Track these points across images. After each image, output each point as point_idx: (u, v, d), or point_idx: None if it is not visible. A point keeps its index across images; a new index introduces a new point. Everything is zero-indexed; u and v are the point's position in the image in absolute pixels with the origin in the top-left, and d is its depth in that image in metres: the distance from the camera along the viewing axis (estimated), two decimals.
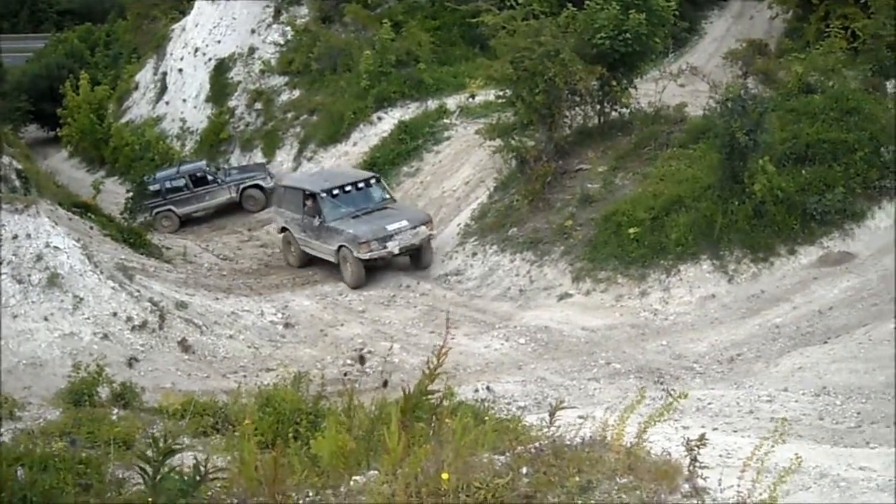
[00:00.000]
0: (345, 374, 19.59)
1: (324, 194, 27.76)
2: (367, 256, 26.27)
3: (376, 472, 6.49)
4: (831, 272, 21.36)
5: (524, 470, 6.17)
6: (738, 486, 6.58)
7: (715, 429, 14.59)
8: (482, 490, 5.76)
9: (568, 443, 6.69)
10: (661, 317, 21.39)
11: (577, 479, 6.10)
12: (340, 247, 26.95)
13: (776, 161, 22.60)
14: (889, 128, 24.15)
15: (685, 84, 29.89)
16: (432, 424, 7.61)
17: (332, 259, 27.62)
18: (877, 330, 18.32)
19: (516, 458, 6.35)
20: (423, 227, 26.87)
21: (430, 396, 7.60)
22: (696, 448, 6.88)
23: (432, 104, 35.69)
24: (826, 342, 18.68)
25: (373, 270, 27.13)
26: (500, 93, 28.41)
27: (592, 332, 21.10)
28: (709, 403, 16.33)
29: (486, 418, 10.37)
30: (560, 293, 23.17)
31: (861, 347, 17.85)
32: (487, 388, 18.42)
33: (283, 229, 29.82)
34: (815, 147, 23.54)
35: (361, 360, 20.97)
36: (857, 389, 16.20)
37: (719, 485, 6.90)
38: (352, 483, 6.40)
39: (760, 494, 6.63)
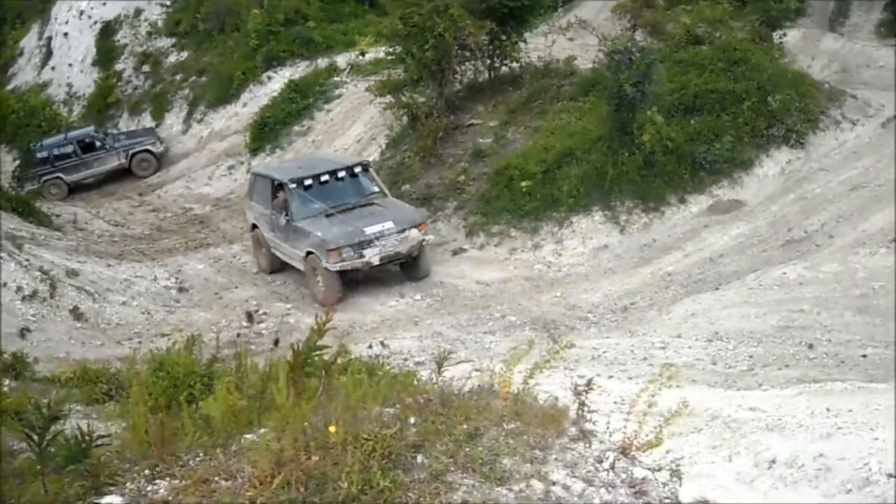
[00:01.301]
0: (237, 336, 19.44)
1: (293, 185, 22.27)
2: (336, 267, 21.00)
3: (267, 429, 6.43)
4: (721, 220, 21.68)
5: (412, 420, 6.16)
6: (625, 428, 6.64)
7: (610, 376, 14.79)
8: (370, 441, 5.72)
9: (456, 392, 6.69)
10: (555, 268, 21.52)
11: (465, 426, 6.10)
12: (308, 253, 21.72)
13: (665, 112, 22.88)
14: (776, 77, 24.54)
15: (574, 38, 29.97)
16: (322, 380, 7.55)
17: (300, 266, 22.48)
18: (766, 275, 18.64)
19: (405, 408, 6.32)
20: (414, 231, 21.31)
21: (319, 352, 7.52)
22: (583, 393, 6.92)
23: (322, 62, 35.37)
24: (717, 288, 18.95)
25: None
26: (390, 49, 28.16)
27: (487, 285, 21.17)
28: (604, 352, 16.52)
29: (380, 373, 10.36)
30: (454, 248, 23.19)
31: (752, 293, 18.14)
32: (382, 343, 18.37)
33: (254, 226, 24.54)
34: (703, 97, 23.88)
35: (249, 317, 20.83)
36: (749, 334, 16.50)
37: (608, 428, 6.95)
38: (242, 441, 6.30)
39: (646, 436, 6.70)
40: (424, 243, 21.61)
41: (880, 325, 16.24)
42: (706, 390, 14.01)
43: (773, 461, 8.91)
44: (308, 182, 22.42)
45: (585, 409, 6.90)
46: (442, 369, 7.30)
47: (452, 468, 5.73)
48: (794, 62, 27.98)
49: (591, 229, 22.09)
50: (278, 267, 23.85)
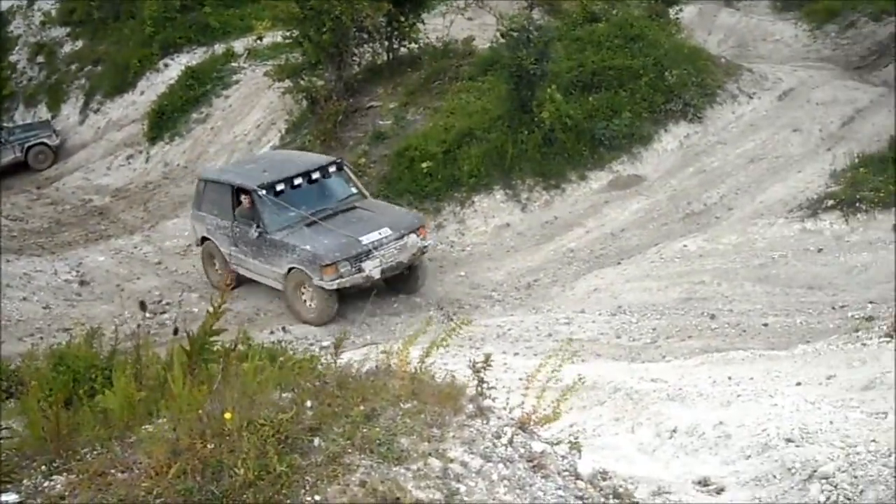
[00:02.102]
0: (137, 326, 19.16)
1: (263, 192, 19.30)
2: (334, 285, 18.21)
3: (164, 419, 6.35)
4: (621, 195, 21.86)
5: (308, 404, 6.13)
6: (523, 404, 6.65)
7: (516, 353, 14.87)
8: (266, 426, 5.70)
9: (353, 374, 6.66)
10: (458, 248, 21.53)
11: (362, 407, 6.10)
12: (291, 269, 18.92)
13: (563, 89, 22.97)
14: (672, 52, 24.80)
15: (473, 17, 30.02)
16: (220, 367, 7.47)
17: (276, 285, 19.63)
18: (667, 248, 18.89)
19: (301, 393, 6.29)
20: (413, 237, 18.90)
21: (215, 339, 7.42)
22: (482, 370, 6.91)
23: (219, 48, 34.82)
24: (619, 263, 19.14)
25: None
26: (288, 33, 27.85)
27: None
28: (509, 329, 16.60)
29: (282, 358, 10.26)
30: None
31: (653, 266, 18.36)
32: (283, 329, 18.38)
33: (204, 239, 21.36)
34: (601, 74, 24.06)
35: (142, 306, 20.35)
36: (652, 306, 16.71)
37: (507, 403, 6.95)
38: (140, 432, 6.22)
39: (545, 411, 6.71)
40: (425, 250, 19.37)
41: (780, 293, 16.56)
42: (611, 363, 14.15)
43: (675, 430, 9.00)
44: (280, 187, 19.37)
45: (484, 385, 6.91)
46: (339, 351, 7.26)
47: (350, 450, 5.73)
48: (691, 37, 28.32)
49: (493, 208, 22.13)
50: (237, 283, 20.11)
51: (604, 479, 6.37)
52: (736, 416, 8.87)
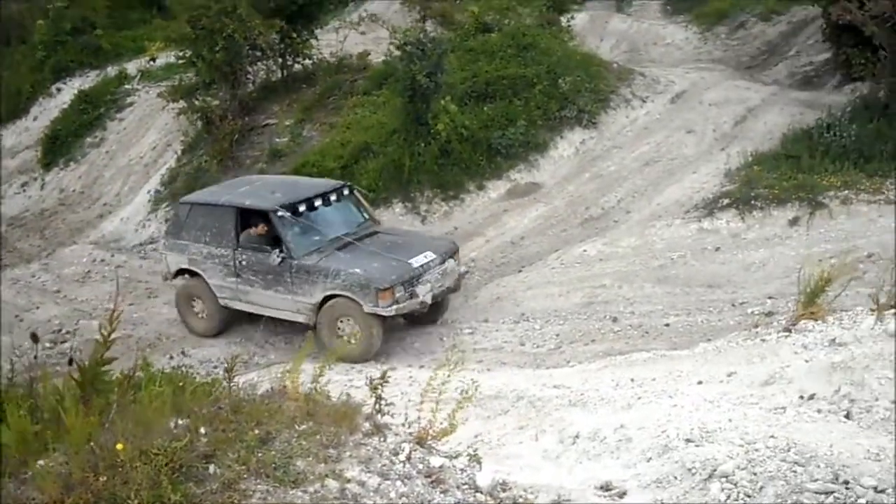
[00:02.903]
0: (34, 358, 18.72)
1: (283, 213, 17.25)
2: (392, 311, 16.27)
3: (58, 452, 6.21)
4: (520, 203, 21.95)
5: (203, 430, 6.03)
6: (419, 418, 6.61)
7: (421, 366, 14.80)
8: (160, 455, 5.60)
9: (248, 398, 6.58)
10: None
11: (257, 431, 6.02)
12: (330, 298, 16.71)
13: (458, 100, 23.12)
14: (565, 60, 25.04)
15: (366, 32, 30.08)
16: (116, 397, 7.34)
17: (299, 318, 17.30)
18: (567, 254, 19.02)
19: (195, 419, 6.19)
20: (452, 262, 17.50)
21: (108, 368, 7.28)
22: (379, 386, 6.86)
23: (112, 70, 34.35)
24: (521, 271, 19.22)
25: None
26: (181, 53, 27.60)
27: None
28: (413, 343, 16.62)
29: (181, 384, 10.10)
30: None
31: (554, 272, 18.47)
32: (182, 353, 18.03)
33: (183, 272, 18.97)
34: (495, 84, 24.21)
35: (34, 337, 19.84)
36: (554, 312, 16.82)
37: (406, 419, 6.90)
38: (35, 467, 6.07)
39: (441, 424, 6.68)
40: (464, 275, 18.17)
41: (680, 293, 16.76)
42: (515, 371, 14.20)
43: (577, 436, 9.00)
44: (302, 208, 17.51)
45: (382, 402, 6.86)
46: (232, 375, 7.15)
47: (245, 475, 5.65)
48: (584, 44, 28.68)
49: (393, 221, 22.00)
50: (223, 327, 18.80)
51: (504, 490, 6.35)
52: (637, 419, 8.90)
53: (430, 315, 17.53)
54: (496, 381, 12.99)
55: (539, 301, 17.41)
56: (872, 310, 11.44)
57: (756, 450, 7.42)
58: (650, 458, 7.83)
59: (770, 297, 15.78)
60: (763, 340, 11.98)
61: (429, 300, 16.57)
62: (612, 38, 31.70)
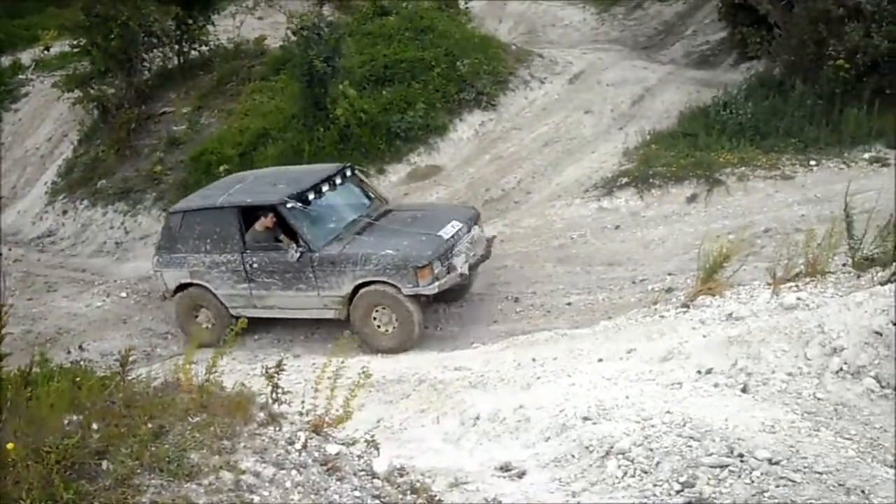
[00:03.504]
0: None
1: (294, 204, 15.92)
2: (435, 288, 15.15)
3: None
4: (421, 186, 21.90)
5: (95, 426, 5.94)
6: (315, 406, 6.57)
7: (325, 353, 14.71)
8: (51, 453, 5.49)
9: (141, 391, 6.49)
10: None
11: (150, 425, 5.94)
12: (362, 286, 15.46)
13: (357, 85, 22.98)
14: (463, 42, 25.04)
15: (263, 17, 29.85)
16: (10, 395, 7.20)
17: (328, 314, 16.12)
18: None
19: (88, 415, 6.09)
20: (477, 228, 16.46)
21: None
22: (274, 375, 6.81)
23: (6, 61, 33.61)
24: None
25: None
26: (75, 42, 27.12)
27: None
28: (316, 329, 16.69)
29: (77, 380, 9.96)
30: (156, 240, 22.57)
31: None
32: (80, 347, 17.78)
33: (185, 286, 17.31)
34: (393, 67, 24.11)
35: None
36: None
37: (302, 407, 6.86)
38: None
39: (337, 411, 6.65)
40: (492, 241, 16.99)
41: (581, 272, 16.88)
42: (420, 355, 14.20)
43: (477, 418, 9.05)
44: (311, 196, 16.19)
45: (279, 390, 6.81)
46: (126, 369, 7.05)
47: (139, 470, 5.58)
48: (482, 26, 28.67)
49: None
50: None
51: (401, 476, 6.35)
52: (536, 399, 8.97)
53: (458, 292, 16.58)
54: (400, 364, 13.04)
55: None
56: (769, 284, 11.64)
57: (652, 426, 7.50)
58: (549, 438, 7.88)
59: (670, 274, 15.95)
60: (662, 317, 12.13)
61: (467, 271, 15.69)
62: (511, 20, 31.72)
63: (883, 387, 8.58)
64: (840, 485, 6.85)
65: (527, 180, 21.14)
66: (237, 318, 14.96)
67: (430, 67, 23.96)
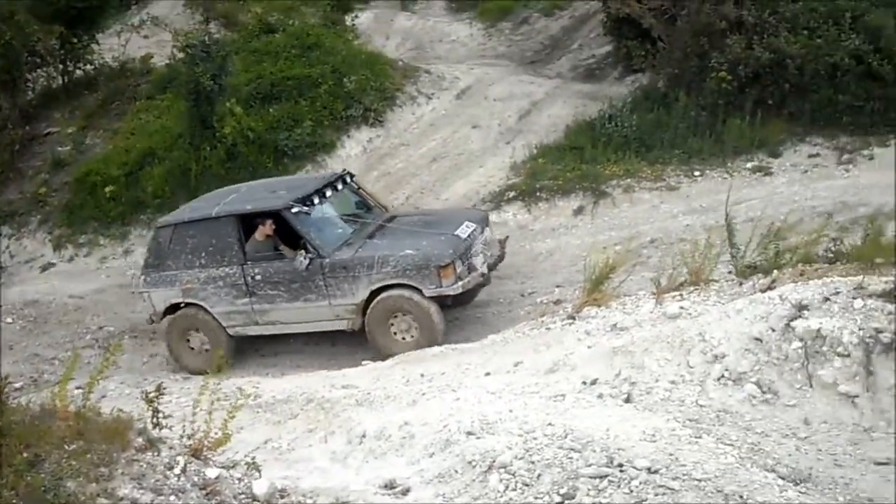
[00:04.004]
0: None
1: (299, 209, 15.17)
2: (457, 288, 14.47)
3: None
4: None
5: None
6: (195, 429, 6.52)
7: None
8: None
9: (17, 419, 6.37)
10: None
11: (25, 454, 5.83)
12: (377, 292, 14.66)
13: (244, 102, 22.81)
14: (350, 59, 25.01)
15: (149, 35, 29.38)
16: None
17: (341, 325, 15.24)
18: None
19: None
20: (488, 230, 16.16)
21: None
22: (154, 400, 6.74)
23: None
24: None
25: None
26: None
27: (81, 298, 20.27)
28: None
29: None
30: (42, 264, 22.08)
31: None
32: None
33: (175, 308, 16.15)
34: (280, 85, 23.97)
35: None
36: None
37: (183, 430, 6.80)
38: None
39: (216, 433, 6.60)
40: (505, 241, 16.67)
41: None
42: (310, 375, 14.10)
43: (364, 435, 9.05)
44: (315, 201, 15.48)
45: (160, 415, 6.74)
46: (4, 397, 6.92)
47: (14, 500, 5.46)
48: (369, 43, 28.68)
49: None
50: (231, 359, 15.07)
51: (282, 497, 6.33)
52: (420, 415, 9.00)
53: (470, 294, 15.44)
54: (290, 384, 12.95)
55: None
56: (654, 293, 11.81)
57: (534, 438, 7.57)
58: (433, 454, 7.91)
59: (558, 286, 16.10)
60: (548, 329, 12.26)
61: (485, 270, 15.16)
62: (398, 36, 31.80)
63: (764, 392, 8.77)
64: (718, 491, 6.97)
65: (415, 196, 21.18)
66: (234, 338, 15.33)
67: (317, 84, 23.87)
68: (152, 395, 6.74)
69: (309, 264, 14.81)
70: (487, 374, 10.97)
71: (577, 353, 10.55)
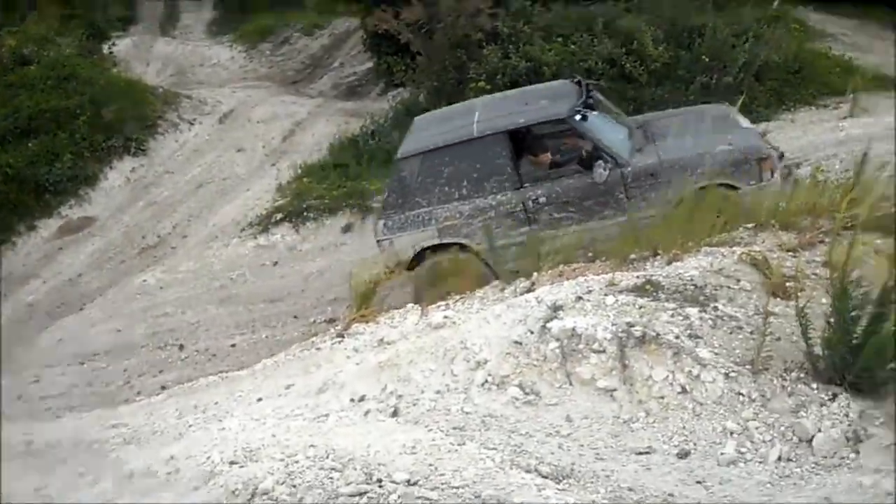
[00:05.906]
0: None
1: (585, 112, 13.38)
2: (776, 182, 12.88)
3: None
4: (75, 239, 21.44)
5: None
6: None
7: None
8: None
9: None
10: None
11: None
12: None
13: (0, 138, 22.23)
14: (108, 88, 24.70)
15: None
16: None
17: None
18: (127, 286, 18.77)
19: None
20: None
21: None
22: None
23: None
24: (82, 309, 18.72)
25: None
26: None
27: None
28: None
29: None
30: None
31: (116, 306, 18.19)
32: None
33: (427, 252, 13.96)
34: (37, 118, 23.62)
35: None
36: (122, 346, 16.62)
37: None
38: None
39: None
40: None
41: (243, 312, 16.93)
42: (83, 415, 13.82)
43: (132, 475, 8.93)
44: (592, 104, 13.74)
45: None
46: None
47: None
48: (129, 70, 28.33)
49: None
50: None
51: None
52: (185, 448, 8.93)
53: None
54: (63, 428, 12.66)
55: (104, 338, 17.07)
56: (420, 305, 11.99)
57: (296, 462, 7.60)
58: (197, 487, 7.87)
59: (331, 305, 16.21)
60: (318, 349, 12.30)
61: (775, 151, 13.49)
62: (158, 62, 31.46)
63: (527, 394, 8.96)
64: (476, 496, 7.12)
65: (183, 224, 21.02)
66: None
67: (76, 116, 23.55)
68: None
69: (606, 178, 13.06)
70: (259, 399, 10.94)
71: (345, 371, 10.60)
